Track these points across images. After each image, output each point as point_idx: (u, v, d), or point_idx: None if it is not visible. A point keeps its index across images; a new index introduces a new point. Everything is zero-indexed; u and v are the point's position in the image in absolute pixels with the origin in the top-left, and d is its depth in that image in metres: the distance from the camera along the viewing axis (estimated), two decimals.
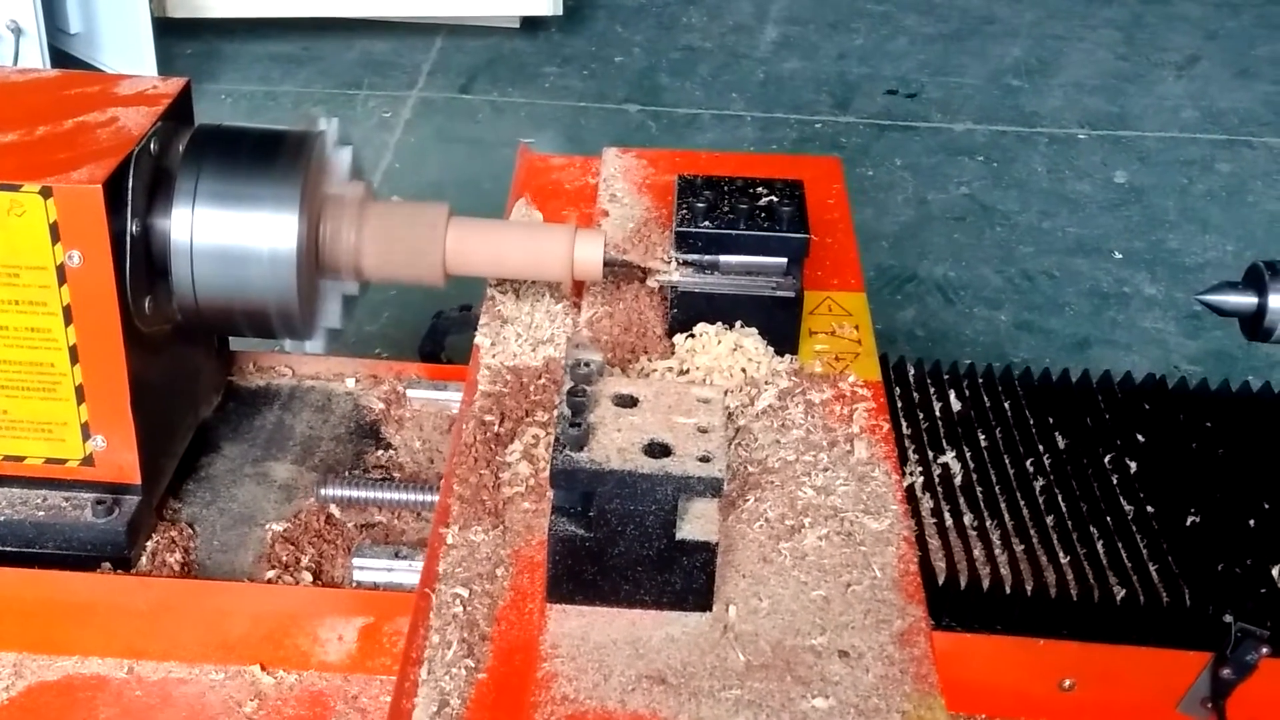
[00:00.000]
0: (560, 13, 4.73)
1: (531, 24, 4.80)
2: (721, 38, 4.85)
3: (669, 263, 1.47)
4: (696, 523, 1.14)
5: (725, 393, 1.36)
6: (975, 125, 4.26)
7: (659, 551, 1.13)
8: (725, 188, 1.51)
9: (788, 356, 1.46)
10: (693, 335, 1.46)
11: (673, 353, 1.45)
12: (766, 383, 1.42)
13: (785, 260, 1.45)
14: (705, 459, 1.12)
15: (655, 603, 1.15)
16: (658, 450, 1.13)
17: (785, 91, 4.48)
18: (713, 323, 1.46)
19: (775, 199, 1.48)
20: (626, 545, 1.13)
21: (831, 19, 5.02)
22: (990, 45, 4.85)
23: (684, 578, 1.14)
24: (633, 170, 1.80)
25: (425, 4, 4.64)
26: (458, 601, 1.20)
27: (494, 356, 1.51)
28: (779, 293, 1.45)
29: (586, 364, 1.23)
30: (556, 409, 1.21)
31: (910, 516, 1.27)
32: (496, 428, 1.39)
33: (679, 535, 1.13)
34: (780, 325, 1.45)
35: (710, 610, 1.15)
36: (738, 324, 1.46)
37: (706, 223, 1.46)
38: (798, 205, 1.47)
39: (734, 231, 1.45)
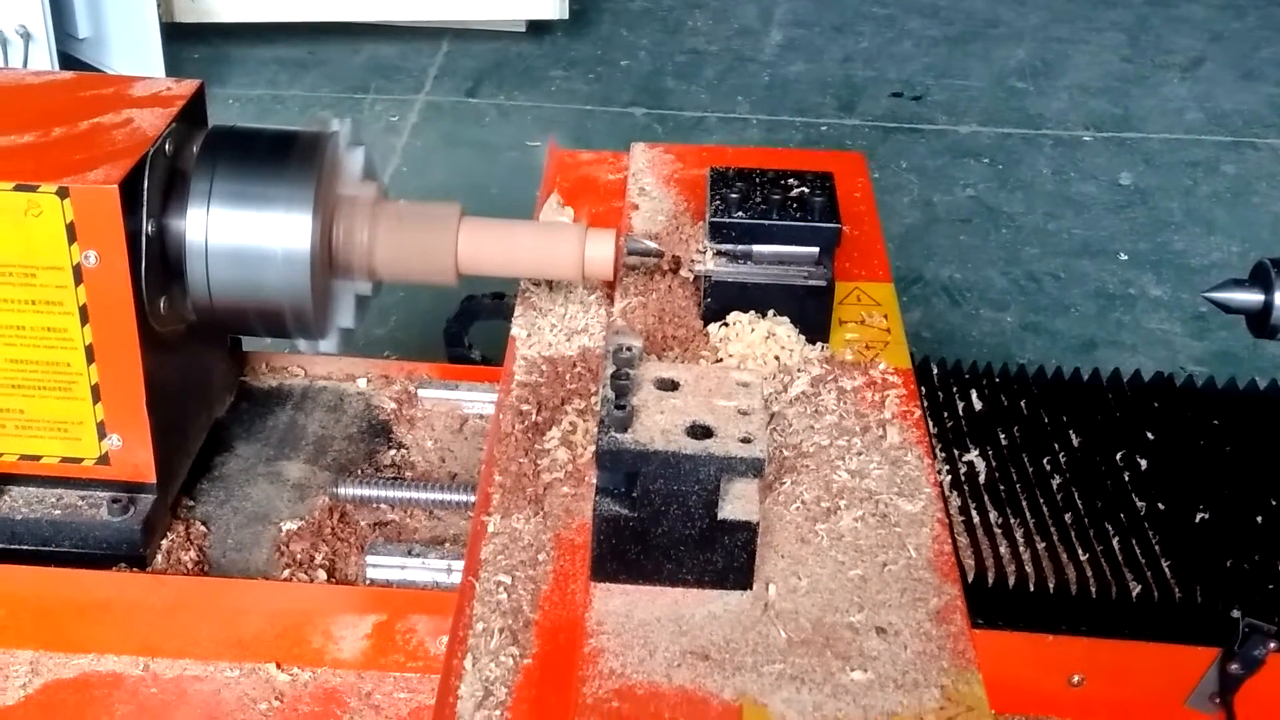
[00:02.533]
0: (566, 16, 4.74)
1: (537, 28, 4.81)
2: (726, 41, 4.86)
3: (703, 253, 1.49)
4: (737, 503, 1.16)
5: (764, 377, 1.37)
6: (980, 127, 4.27)
7: (701, 531, 1.15)
8: (757, 179, 1.53)
9: (819, 344, 1.48)
10: (726, 324, 1.48)
11: (707, 341, 1.47)
12: (799, 370, 1.44)
13: (817, 250, 1.47)
14: (747, 440, 1.14)
15: (697, 581, 1.17)
16: (700, 432, 1.15)
17: (790, 94, 4.49)
18: (746, 311, 1.48)
19: (806, 190, 1.50)
20: (669, 525, 1.15)
21: (836, 22, 5.02)
22: (995, 48, 4.86)
23: (725, 556, 1.16)
24: (660, 165, 1.83)
25: (431, 8, 4.66)
26: (501, 589, 1.22)
27: (530, 347, 1.53)
28: (811, 282, 1.46)
29: (628, 348, 1.25)
30: (599, 392, 1.23)
31: (943, 499, 1.29)
32: (534, 417, 1.41)
33: (721, 515, 1.15)
34: (812, 314, 1.47)
35: (750, 589, 1.18)
36: (770, 312, 1.48)
37: (740, 213, 1.48)
38: (829, 196, 1.49)
39: (766, 222, 1.47)
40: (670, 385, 1.21)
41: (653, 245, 1.54)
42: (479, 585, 1.22)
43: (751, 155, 1.88)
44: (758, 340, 1.45)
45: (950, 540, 1.24)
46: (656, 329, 1.48)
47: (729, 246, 1.47)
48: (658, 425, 1.15)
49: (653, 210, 1.70)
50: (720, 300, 1.48)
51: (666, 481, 1.13)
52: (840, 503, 1.27)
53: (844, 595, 1.17)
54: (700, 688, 1.08)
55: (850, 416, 1.39)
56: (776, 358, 1.45)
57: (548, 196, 1.80)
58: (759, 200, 1.49)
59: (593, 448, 1.28)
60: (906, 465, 1.33)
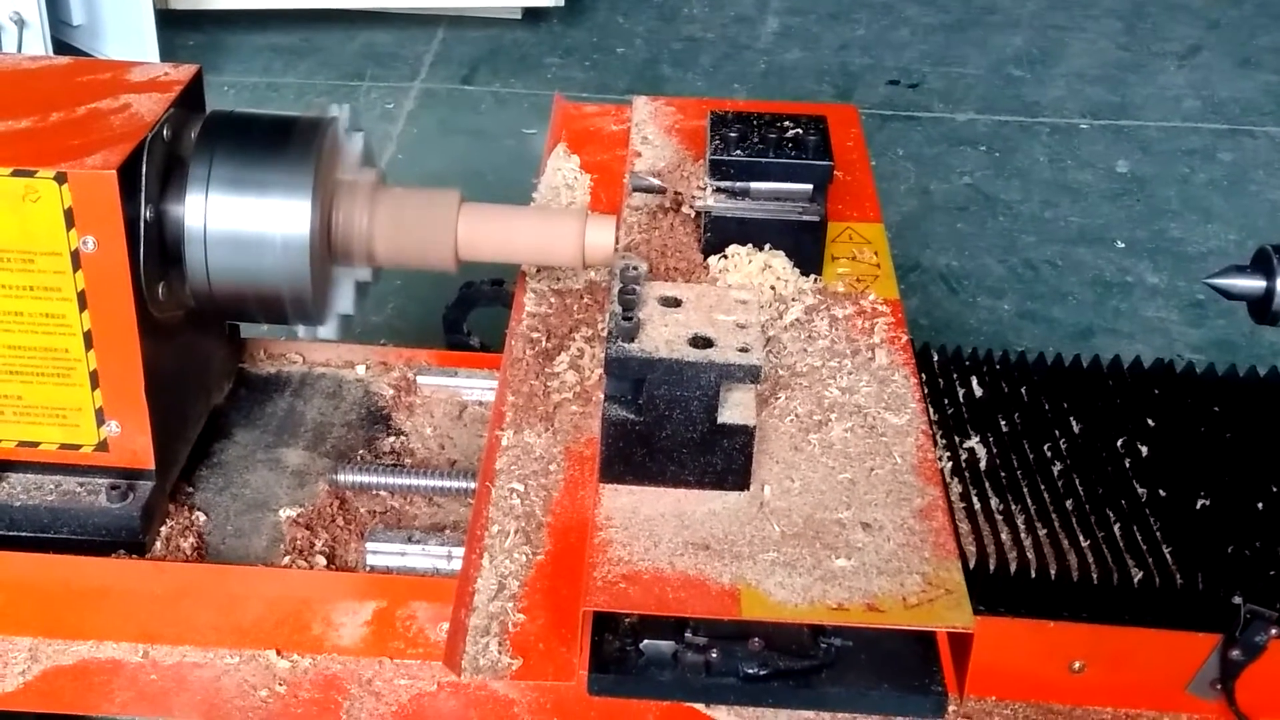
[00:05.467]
0: (562, 3, 4.72)
1: (533, 15, 4.79)
2: (723, 29, 4.85)
3: (704, 190, 1.56)
4: (736, 409, 1.25)
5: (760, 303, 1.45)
6: (977, 115, 4.26)
7: (702, 434, 1.24)
8: (755, 121, 1.61)
9: (813, 276, 1.56)
10: (725, 256, 1.54)
11: (707, 273, 1.54)
12: (794, 299, 1.52)
13: (811, 187, 1.54)
14: (744, 350, 1.23)
15: (698, 482, 1.27)
16: (701, 342, 1.24)
17: (787, 82, 4.47)
18: (744, 245, 1.55)
19: (801, 131, 1.58)
20: (673, 429, 1.24)
21: (832, 9, 5.01)
22: (992, 35, 4.85)
23: (724, 459, 1.25)
24: (662, 116, 1.91)
25: None
26: (514, 495, 1.32)
27: (539, 281, 1.61)
28: (805, 217, 1.54)
29: (634, 268, 1.34)
30: (608, 307, 1.31)
31: (927, 414, 1.38)
32: (544, 343, 1.51)
33: (720, 419, 1.24)
34: (806, 248, 1.55)
35: (747, 489, 1.27)
36: (767, 246, 1.55)
37: (738, 151, 1.55)
38: (822, 136, 1.57)
39: (763, 159, 1.54)
40: (673, 302, 1.30)
41: (656, 182, 1.62)
42: (494, 492, 1.33)
43: (751, 107, 1.93)
44: (755, 271, 1.53)
45: (932, 449, 1.33)
46: (659, 262, 1.54)
47: (728, 183, 1.55)
48: (662, 336, 1.24)
49: (655, 157, 1.78)
50: (719, 235, 1.55)
51: (670, 388, 1.22)
52: (831, 415, 1.36)
53: (833, 495, 1.27)
54: (701, 573, 1.18)
55: (841, 341, 1.47)
56: (772, 288, 1.53)
57: (554, 146, 1.86)
58: (756, 140, 1.57)
59: (600, 370, 1.39)
60: (894, 384, 1.41)
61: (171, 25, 4.39)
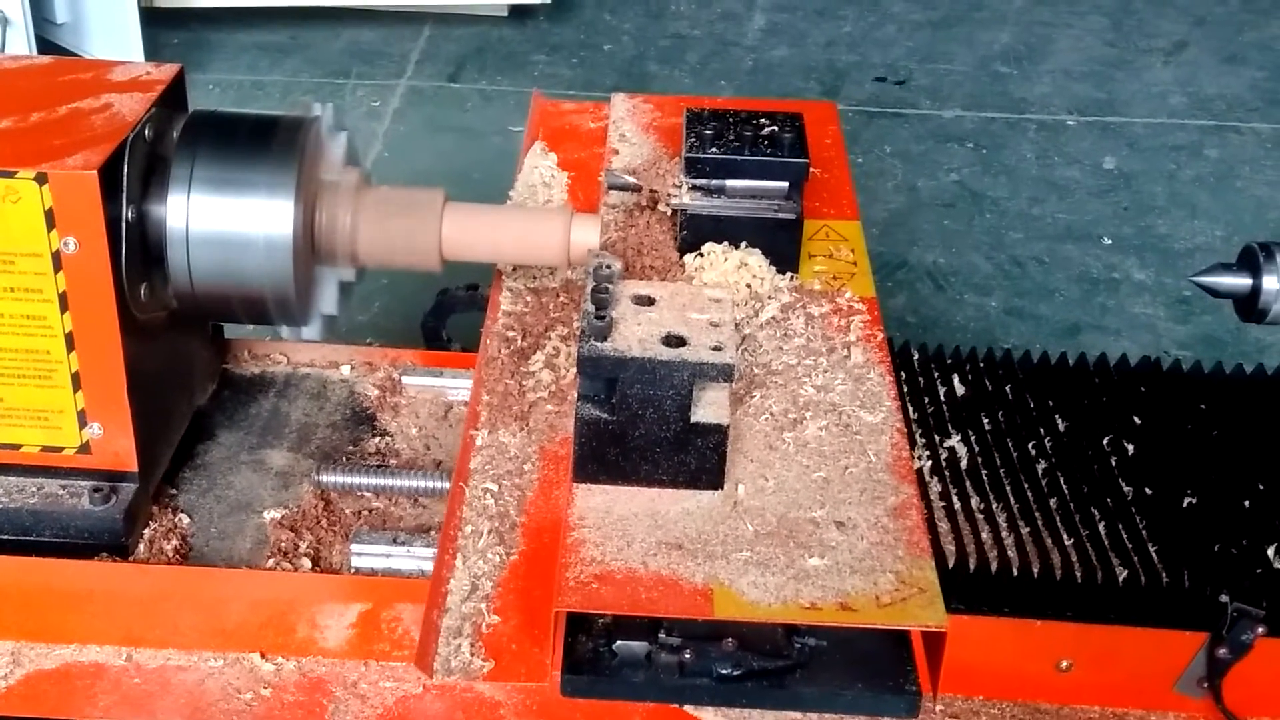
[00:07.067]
0: (548, 1, 4.71)
1: (520, 12, 4.79)
2: (710, 25, 4.85)
3: (680, 187, 1.56)
4: (709, 408, 1.25)
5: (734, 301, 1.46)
6: (964, 112, 4.27)
7: (675, 433, 1.24)
8: (731, 119, 1.61)
9: (789, 274, 1.56)
10: (701, 254, 1.54)
11: (683, 272, 1.54)
12: (770, 297, 1.52)
13: (787, 185, 1.54)
14: (718, 348, 1.23)
15: (672, 481, 1.27)
16: (674, 341, 1.24)
17: (774, 79, 4.48)
18: (719, 243, 1.55)
19: (777, 128, 1.58)
20: (646, 428, 1.24)
21: (819, 6, 5.01)
22: (978, 32, 4.85)
23: (698, 458, 1.25)
24: (640, 113, 1.91)
25: None
26: (488, 495, 1.33)
27: (515, 280, 1.61)
28: (781, 215, 1.54)
29: (608, 266, 1.34)
30: (581, 306, 1.31)
31: (902, 412, 1.39)
32: (520, 342, 1.51)
33: (694, 418, 1.24)
34: (782, 246, 1.56)
35: (721, 488, 1.27)
36: (743, 244, 1.55)
37: (714, 149, 1.55)
38: (798, 133, 1.57)
39: (739, 157, 1.54)
40: (647, 301, 1.30)
41: (632, 180, 1.61)
42: (468, 492, 1.33)
43: (727, 105, 1.94)
44: (731, 269, 1.53)
45: (907, 447, 1.33)
46: (635, 260, 1.54)
47: (704, 181, 1.55)
48: (635, 335, 1.24)
49: (632, 155, 1.77)
50: (695, 233, 1.55)
51: (643, 387, 1.22)
52: (806, 414, 1.37)
53: (807, 494, 1.27)
54: (674, 573, 1.18)
55: (817, 339, 1.48)
56: (748, 286, 1.53)
57: (532, 143, 1.85)
58: (732, 137, 1.56)
59: (575, 369, 1.37)
60: (869, 382, 1.42)
61: (156, 23, 4.38)
